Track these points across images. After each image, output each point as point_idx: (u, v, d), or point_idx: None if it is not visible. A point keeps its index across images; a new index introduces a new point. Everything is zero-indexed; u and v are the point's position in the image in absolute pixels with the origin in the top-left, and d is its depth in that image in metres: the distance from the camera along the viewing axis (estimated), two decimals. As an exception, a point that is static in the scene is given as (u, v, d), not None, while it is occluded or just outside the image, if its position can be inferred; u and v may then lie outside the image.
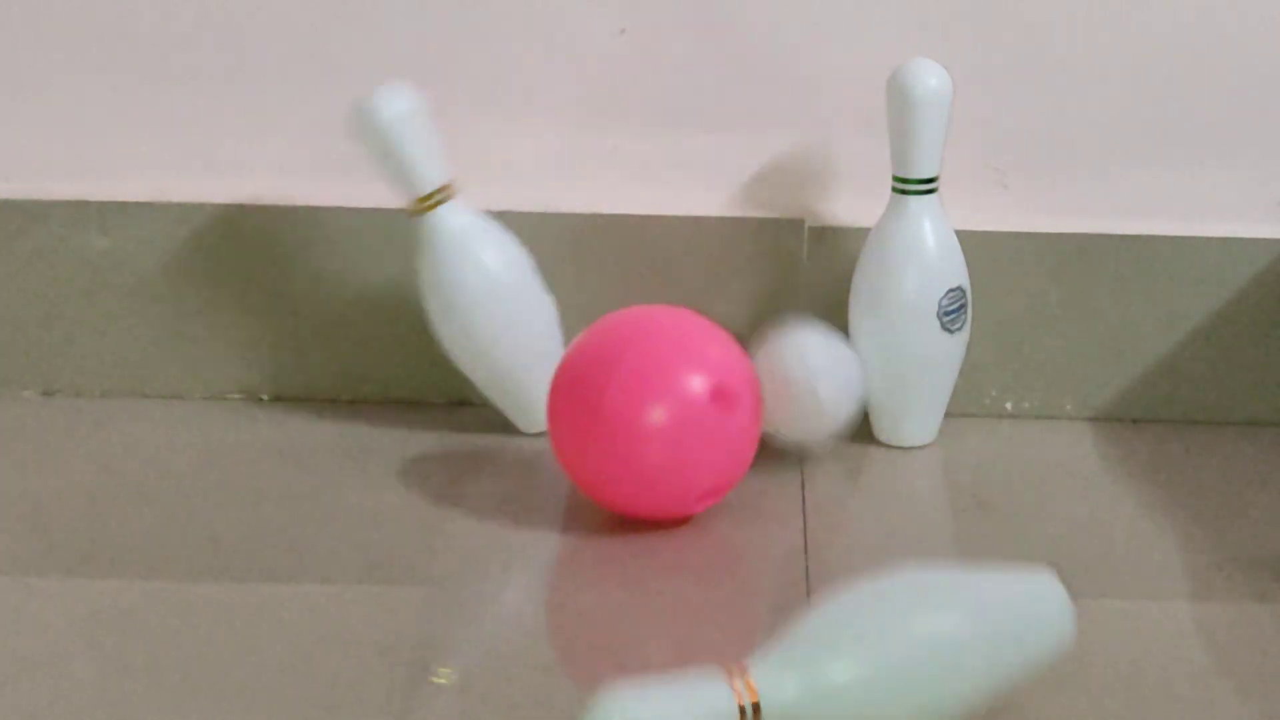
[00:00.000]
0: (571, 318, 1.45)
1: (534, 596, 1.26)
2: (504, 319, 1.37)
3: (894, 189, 1.37)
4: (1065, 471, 1.40)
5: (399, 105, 1.34)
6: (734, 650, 1.07)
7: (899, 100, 1.34)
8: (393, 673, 1.12)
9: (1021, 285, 1.44)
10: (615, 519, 1.28)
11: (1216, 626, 1.20)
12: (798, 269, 1.44)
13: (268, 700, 1.09)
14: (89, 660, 1.13)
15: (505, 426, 1.42)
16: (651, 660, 1.16)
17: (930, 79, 1.34)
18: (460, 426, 1.44)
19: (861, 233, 1.41)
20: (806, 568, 1.24)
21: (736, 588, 1.24)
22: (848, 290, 1.42)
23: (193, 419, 1.44)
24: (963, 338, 1.39)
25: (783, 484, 1.35)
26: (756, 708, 1.00)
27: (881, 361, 1.38)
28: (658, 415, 1.24)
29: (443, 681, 1.12)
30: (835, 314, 1.43)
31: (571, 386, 1.27)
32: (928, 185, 1.36)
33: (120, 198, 1.45)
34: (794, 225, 1.44)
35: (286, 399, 1.47)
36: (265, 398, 1.47)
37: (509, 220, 1.44)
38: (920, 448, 1.40)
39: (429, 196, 1.36)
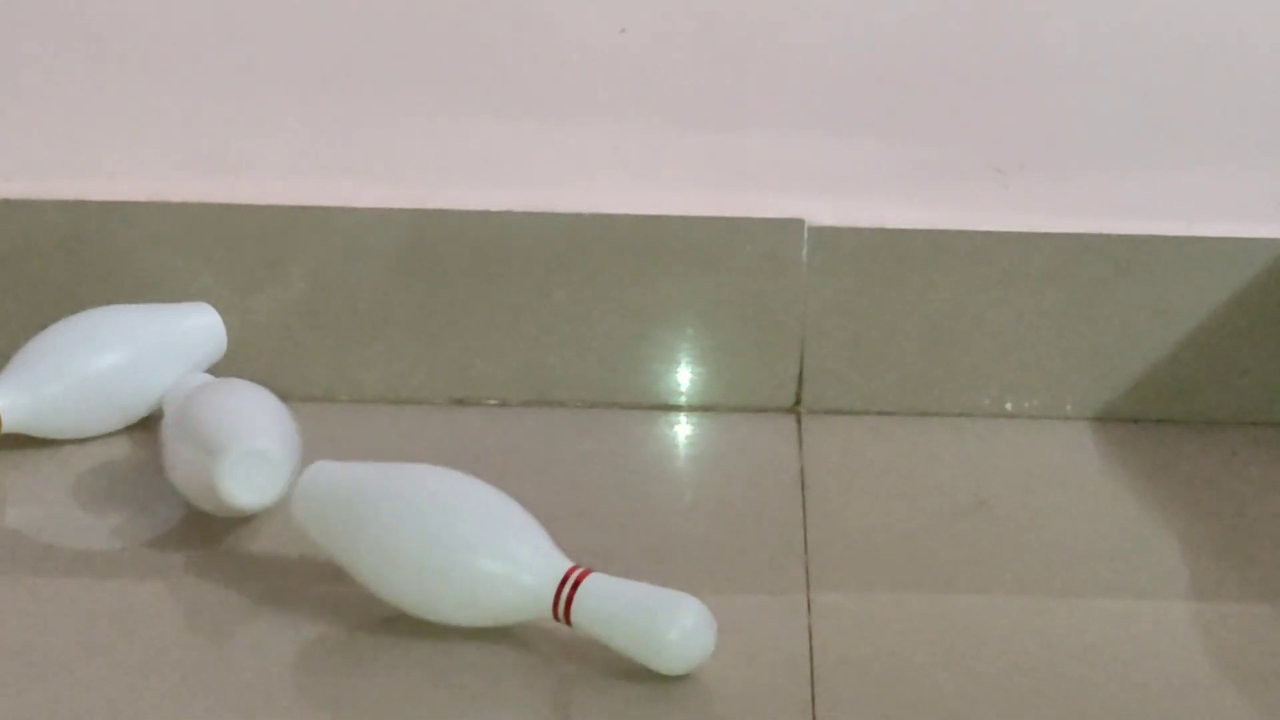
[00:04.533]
0: (572, 318, 1.45)
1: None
2: None
3: None
4: (1065, 471, 1.40)
5: None
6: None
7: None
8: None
9: (1021, 285, 1.44)
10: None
11: (1216, 626, 1.20)
12: (798, 269, 1.44)
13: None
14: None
15: (509, 427, 1.43)
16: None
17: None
18: (461, 427, 1.44)
19: (862, 233, 1.41)
20: (806, 567, 1.24)
21: (734, 589, 1.24)
22: (848, 291, 1.42)
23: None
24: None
25: (782, 483, 1.35)
26: None
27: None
28: None
29: None
30: (835, 315, 1.43)
31: None
32: None
33: (120, 198, 1.45)
34: (794, 225, 1.44)
35: (286, 399, 1.47)
36: (265, 398, 1.47)
37: (508, 220, 1.44)
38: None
39: None
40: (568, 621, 1.11)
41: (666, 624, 1.09)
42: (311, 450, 1.40)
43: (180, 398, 1.33)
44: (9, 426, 1.36)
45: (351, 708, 1.09)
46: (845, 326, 1.44)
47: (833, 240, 1.44)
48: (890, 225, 1.44)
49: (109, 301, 1.44)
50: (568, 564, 1.12)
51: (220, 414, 1.28)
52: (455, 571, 1.12)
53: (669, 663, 1.09)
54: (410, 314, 1.46)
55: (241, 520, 1.27)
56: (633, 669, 1.10)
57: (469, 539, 1.13)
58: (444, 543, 1.12)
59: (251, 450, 1.23)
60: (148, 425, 1.42)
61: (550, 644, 1.13)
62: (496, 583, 1.12)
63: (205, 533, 1.27)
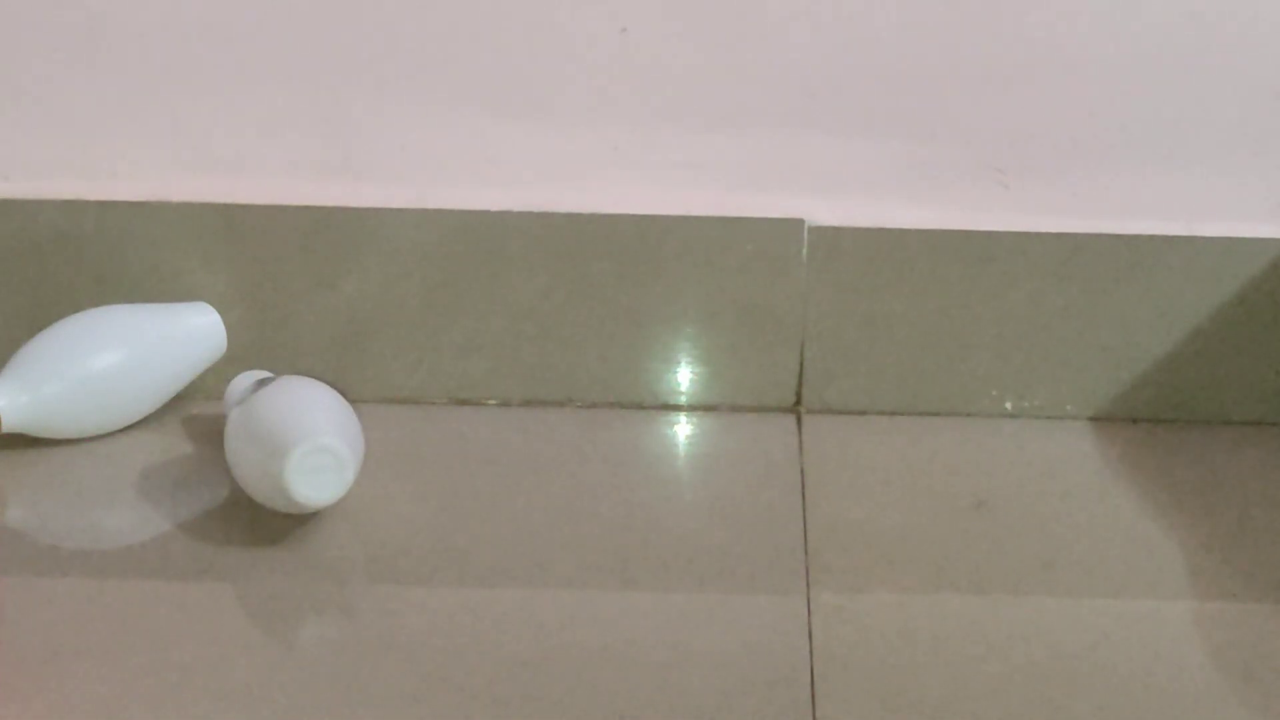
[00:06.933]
0: (572, 318, 1.45)
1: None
2: None
3: None
4: (1065, 471, 1.40)
5: None
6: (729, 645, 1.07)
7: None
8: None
9: (1021, 285, 1.44)
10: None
11: (1216, 626, 1.20)
12: (798, 269, 1.44)
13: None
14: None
15: (509, 427, 1.43)
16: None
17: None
18: (461, 427, 1.44)
19: (862, 233, 1.41)
20: (806, 567, 1.24)
21: (734, 589, 1.24)
22: (848, 291, 1.42)
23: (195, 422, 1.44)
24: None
25: (782, 483, 1.35)
26: None
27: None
28: None
29: None
30: (835, 315, 1.43)
31: None
32: None
33: (120, 198, 1.45)
34: (794, 225, 1.44)
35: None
36: (265, 398, 1.47)
37: (509, 220, 1.44)
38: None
39: None
40: None
41: None
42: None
43: (241, 397, 1.33)
44: (9, 426, 1.36)
45: (365, 708, 1.09)
46: (845, 326, 1.44)
47: (833, 240, 1.44)
48: (890, 225, 1.44)
49: (109, 301, 1.44)
50: None
51: (285, 412, 1.28)
52: None
53: None
54: (410, 314, 1.46)
55: (245, 522, 1.27)
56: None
57: None
58: None
59: (317, 446, 1.23)
60: (148, 425, 1.42)
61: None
62: None
63: (205, 534, 1.27)
